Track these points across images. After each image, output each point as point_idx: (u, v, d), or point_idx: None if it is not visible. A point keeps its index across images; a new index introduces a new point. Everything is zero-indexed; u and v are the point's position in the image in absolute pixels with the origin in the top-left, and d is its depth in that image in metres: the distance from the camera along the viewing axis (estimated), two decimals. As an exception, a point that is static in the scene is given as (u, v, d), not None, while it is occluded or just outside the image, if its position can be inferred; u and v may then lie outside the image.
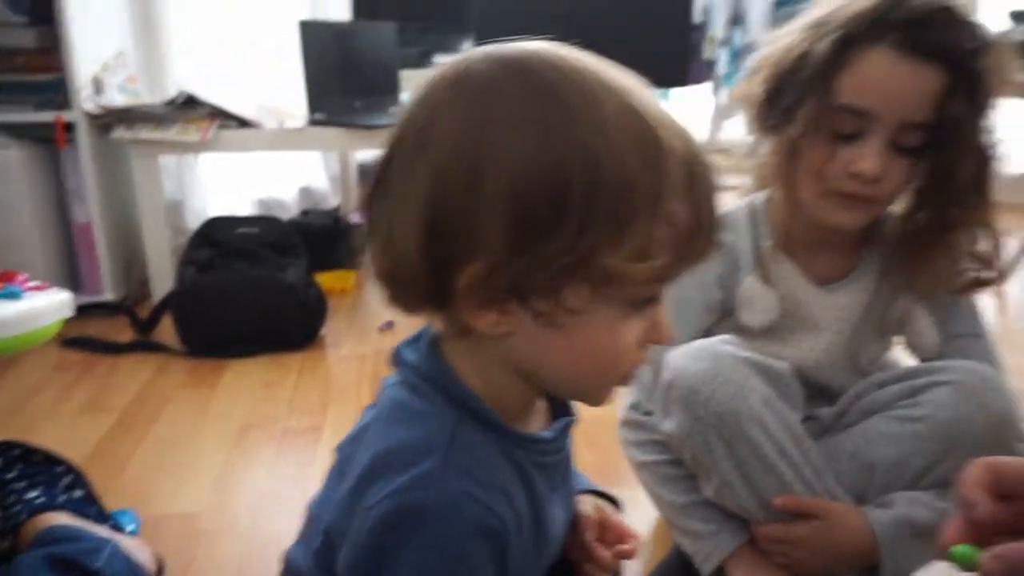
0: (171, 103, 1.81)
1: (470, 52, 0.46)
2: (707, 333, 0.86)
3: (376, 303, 2.08)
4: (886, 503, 0.78)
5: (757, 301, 0.86)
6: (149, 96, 2.00)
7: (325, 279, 2.03)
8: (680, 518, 0.86)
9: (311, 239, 1.94)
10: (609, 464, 1.21)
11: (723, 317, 0.91)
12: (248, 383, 1.53)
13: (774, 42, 0.81)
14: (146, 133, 1.74)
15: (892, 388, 0.81)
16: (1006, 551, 0.42)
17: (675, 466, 0.88)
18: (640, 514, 1.07)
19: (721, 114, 3.33)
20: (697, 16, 3.53)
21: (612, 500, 0.67)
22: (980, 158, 0.75)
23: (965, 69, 0.71)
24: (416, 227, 0.43)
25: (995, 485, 0.46)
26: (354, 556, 0.46)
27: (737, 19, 3.37)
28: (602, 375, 0.49)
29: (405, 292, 0.47)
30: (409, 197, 0.44)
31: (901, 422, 0.78)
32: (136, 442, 1.28)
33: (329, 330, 1.81)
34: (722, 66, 3.43)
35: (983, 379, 0.76)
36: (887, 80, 0.72)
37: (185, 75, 2.16)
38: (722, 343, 0.79)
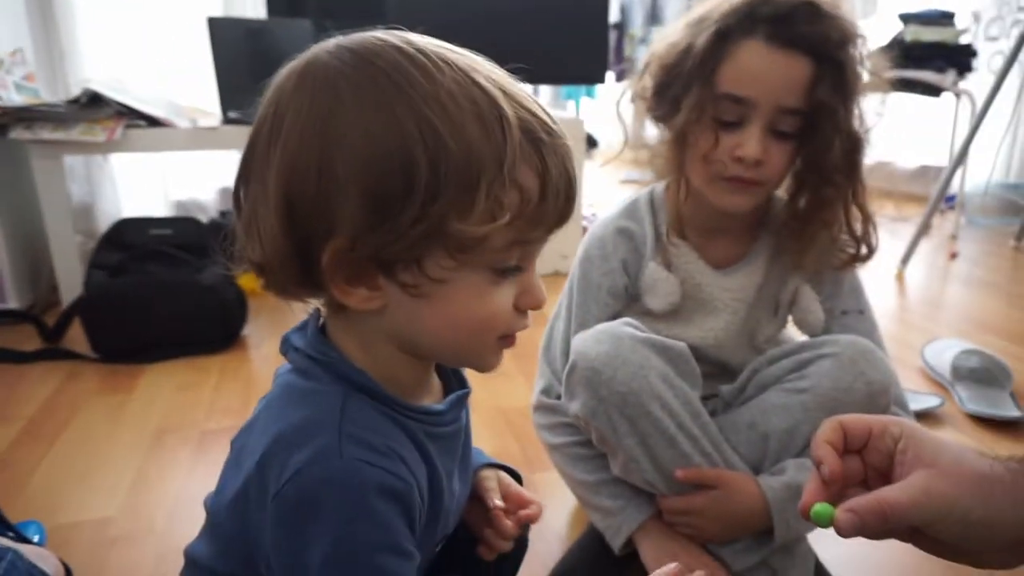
0: (74, 102, 1.74)
1: (320, 43, 0.48)
2: (615, 317, 0.89)
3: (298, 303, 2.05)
4: (778, 470, 0.83)
5: (659, 286, 0.90)
6: (50, 95, 1.92)
7: (247, 280, 1.99)
8: (590, 496, 0.90)
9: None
10: (532, 452, 1.24)
11: (630, 302, 0.94)
12: (165, 387, 1.49)
13: (660, 40, 0.86)
14: (47, 133, 1.66)
15: (783, 363, 0.86)
16: (855, 504, 0.46)
17: (584, 447, 0.91)
18: (561, 498, 1.11)
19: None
20: (615, 15, 3.62)
21: (513, 474, 0.69)
22: (850, 141, 0.80)
23: (829, 58, 0.76)
24: (276, 214, 0.45)
25: (844, 442, 0.50)
26: (273, 543, 0.47)
27: (654, 17, 3.47)
28: (478, 340, 0.51)
29: (277, 278, 0.48)
30: (268, 186, 0.45)
31: (790, 394, 0.83)
32: (44, 451, 1.23)
33: (252, 330, 1.79)
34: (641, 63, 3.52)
35: (861, 351, 0.81)
36: (761, 70, 0.77)
37: (89, 74, 2.09)
38: (622, 325, 0.83)
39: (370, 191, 0.43)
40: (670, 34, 0.84)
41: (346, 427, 0.47)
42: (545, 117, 0.47)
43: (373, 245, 0.44)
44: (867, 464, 0.50)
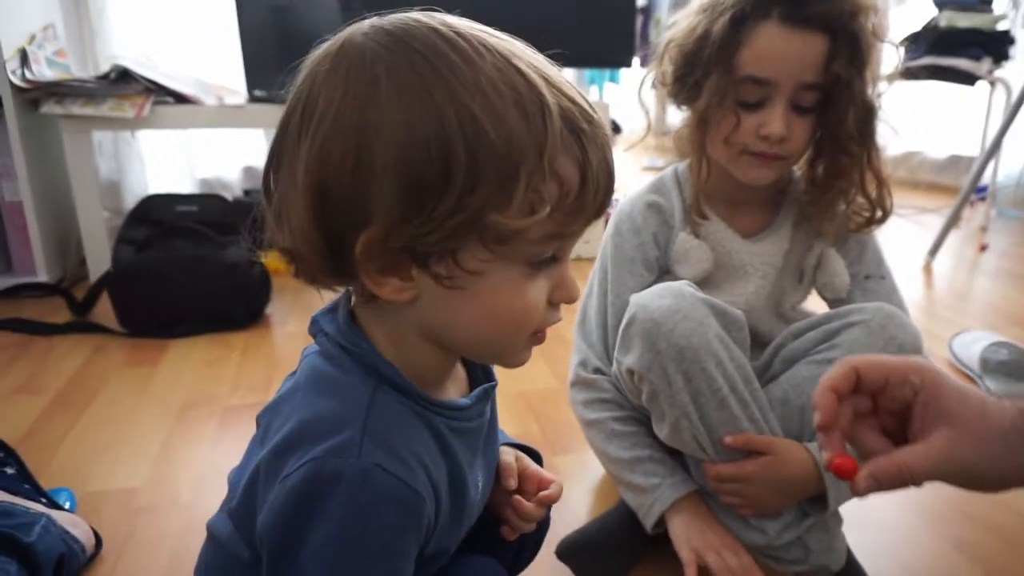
0: (104, 78, 1.75)
1: (355, 24, 0.46)
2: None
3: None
4: None
5: (692, 253, 0.92)
6: (80, 71, 1.94)
7: (271, 259, 2.00)
8: (625, 473, 0.90)
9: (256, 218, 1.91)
10: (552, 435, 1.24)
11: (661, 275, 0.95)
12: (190, 362, 1.51)
13: (674, 25, 0.88)
14: (77, 108, 1.68)
15: (809, 335, 0.86)
16: (876, 470, 0.46)
17: (622, 423, 0.92)
18: (583, 480, 1.11)
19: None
20: (642, -1, 3.59)
21: (533, 454, 0.69)
22: (864, 110, 0.83)
23: (844, 33, 0.79)
24: (305, 204, 0.44)
25: (857, 384, 0.49)
26: (270, 522, 0.46)
27: (680, 2, 3.43)
28: (512, 334, 0.50)
29: (307, 266, 0.47)
30: (297, 173, 0.44)
31: (821, 365, 0.82)
32: (72, 421, 1.26)
33: (275, 308, 1.80)
34: (660, 49, 3.48)
35: (888, 316, 0.82)
36: (779, 51, 0.80)
37: (118, 50, 2.10)
38: (684, 285, 0.83)
39: (406, 181, 0.42)
40: (684, 19, 0.86)
41: (370, 425, 0.46)
42: (586, 106, 0.46)
43: (408, 236, 0.43)
44: (880, 406, 0.49)
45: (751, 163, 0.85)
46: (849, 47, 0.79)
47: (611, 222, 0.98)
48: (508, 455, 0.65)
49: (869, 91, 0.82)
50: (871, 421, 0.50)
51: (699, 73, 0.83)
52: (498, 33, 0.46)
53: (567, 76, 0.47)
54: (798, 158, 0.88)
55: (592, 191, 0.45)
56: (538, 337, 0.51)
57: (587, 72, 4.48)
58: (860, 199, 0.89)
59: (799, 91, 0.81)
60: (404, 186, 0.42)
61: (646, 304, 0.80)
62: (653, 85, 0.92)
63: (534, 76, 0.43)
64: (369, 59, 0.43)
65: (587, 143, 0.45)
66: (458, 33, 0.44)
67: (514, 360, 0.52)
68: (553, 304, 0.50)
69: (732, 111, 0.83)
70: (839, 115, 0.82)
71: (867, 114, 0.83)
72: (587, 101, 0.46)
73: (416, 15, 0.45)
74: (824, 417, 0.47)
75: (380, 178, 0.42)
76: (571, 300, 0.50)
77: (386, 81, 0.42)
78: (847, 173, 0.86)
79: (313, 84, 0.44)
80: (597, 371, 0.96)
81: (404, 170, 0.42)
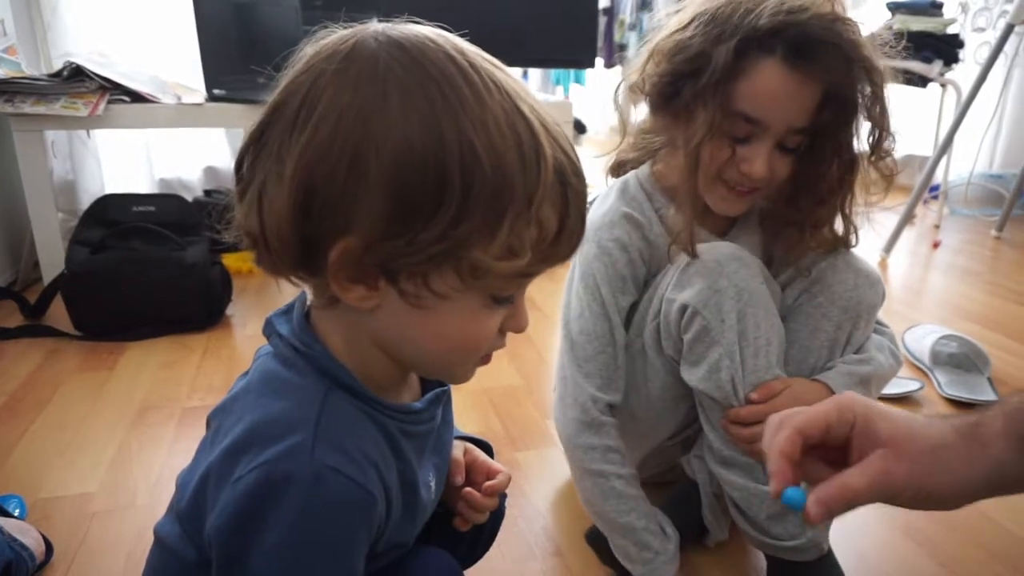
0: (56, 75, 1.71)
1: (363, 27, 0.46)
2: (632, 308, 0.90)
3: (286, 282, 2.04)
4: (828, 367, 0.86)
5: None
6: (32, 68, 1.89)
7: (232, 259, 1.97)
8: (615, 535, 0.87)
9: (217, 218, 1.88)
10: (515, 432, 1.24)
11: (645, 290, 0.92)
12: (148, 364, 1.49)
13: (664, 28, 0.83)
14: (28, 107, 1.63)
15: (790, 291, 0.90)
16: (822, 495, 0.48)
17: (625, 482, 0.86)
18: (544, 476, 1.12)
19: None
20: (605, 0, 3.61)
21: (483, 445, 0.69)
22: (849, 163, 0.82)
23: (838, 87, 0.77)
24: (290, 199, 0.43)
25: (803, 446, 0.51)
26: (221, 524, 0.46)
27: (644, 3, 3.46)
28: (462, 357, 0.52)
29: (272, 257, 0.47)
30: (286, 168, 0.43)
31: (809, 313, 0.87)
32: (24, 426, 1.23)
33: (236, 310, 1.78)
34: (632, 49, 3.52)
35: (853, 258, 0.88)
36: (777, 93, 0.76)
37: (72, 47, 2.05)
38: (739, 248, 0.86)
39: (397, 199, 0.42)
40: (676, 26, 0.81)
41: (322, 427, 0.46)
42: (575, 159, 0.47)
43: (386, 253, 0.43)
44: (826, 445, 0.53)
45: (725, 195, 0.84)
46: (839, 102, 0.77)
47: (593, 241, 0.90)
48: (456, 450, 0.66)
49: (852, 144, 0.81)
50: (817, 454, 0.53)
51: (689, 95, 0.79)
52: (503, 67, 0.47)
53: (532, 77, 0.48)
54: (773, 189, 0.86)
55: (566, 240, 0.47)
56: (484, 360, 0.53)
57: (552, 73, 4.50)
58: (825, 231, 0.88)
59: (788, 134, 0.79)
60: (394, 203, 0.42)
61: (712, 248, 0.83)
62: (632, 89, 0.87)
63: (536, 123, 0.45)
64: (381, 71, 0.43)
65: (571, 196, 0.47)
66: (471, 64, 0.44)
67: (459, 379, 0.54)
68: (502, 331, 0.51)
69: (725, 145, 0.80)
70: (822, 166, 0.81)
71: (851, 166, 0.82)
72: (575, 154, 0.48)
73: (428, 34, 0.45)
74: (778, 486, 0.50)
75: (372, 189, 0.42)
76: (520, 330, 0.52)
77: (397, 98, 0.42)
78: (823, 223, 0.86)
79: (317, 79, 0.44)
80: (611, 405, 0.89)
81: (397, 187, 0.42)
